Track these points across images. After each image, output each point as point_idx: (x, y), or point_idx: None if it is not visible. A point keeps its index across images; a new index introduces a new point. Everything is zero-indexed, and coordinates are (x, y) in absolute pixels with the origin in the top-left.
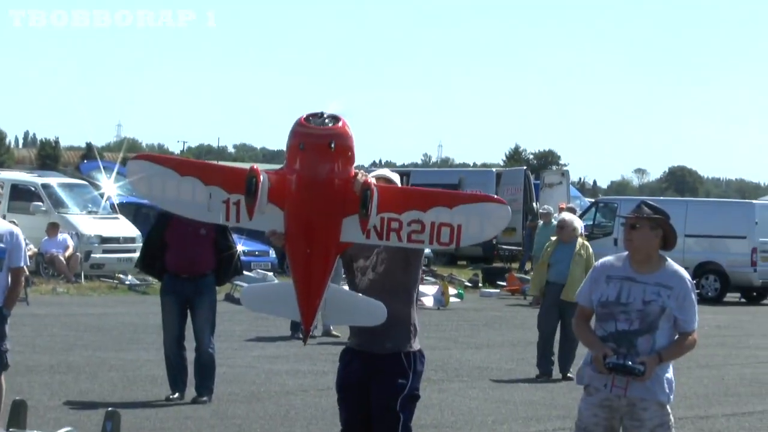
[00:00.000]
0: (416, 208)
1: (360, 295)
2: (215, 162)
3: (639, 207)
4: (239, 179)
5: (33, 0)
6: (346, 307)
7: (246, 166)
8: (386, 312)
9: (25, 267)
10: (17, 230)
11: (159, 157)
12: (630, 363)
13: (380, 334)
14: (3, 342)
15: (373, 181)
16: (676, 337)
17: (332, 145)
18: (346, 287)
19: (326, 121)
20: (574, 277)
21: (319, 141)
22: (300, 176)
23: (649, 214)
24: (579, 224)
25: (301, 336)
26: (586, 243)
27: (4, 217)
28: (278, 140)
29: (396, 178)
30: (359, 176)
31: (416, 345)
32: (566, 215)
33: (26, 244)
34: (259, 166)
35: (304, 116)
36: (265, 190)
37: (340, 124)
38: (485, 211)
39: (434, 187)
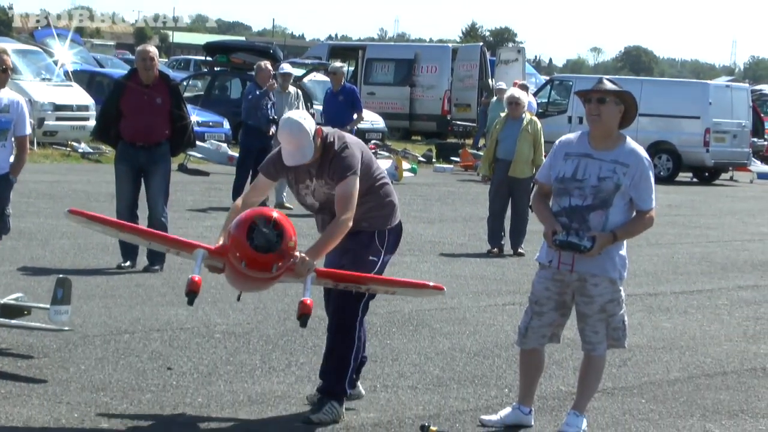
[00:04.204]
0: (356, 284)
1: None
2: (152, 230)
3: (602, 82)
4: (180, 245)
5: None
6: None
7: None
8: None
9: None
10: (22, 99)
11: (98, 217)
12: (576, 240)
13: (355, 223)
14: (6, 207)
15: (310, 300)
16: (633, 215)
17: (274, 269)
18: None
19: (273, 238)
20: (521, 153)
21: (262, 265)
22: (238, 272)
23: (615, 89)
24: (526, 99)
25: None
26: (534, 119)
27: None
28: (234, 12)
29: (311, 124)
30: (304, 265)
31: (393, 222)
32: (515, 91)
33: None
34: (214, 39)
35: (249, 225)
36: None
37: (284, 240)
38: (422, 292)
39: (390, 62)
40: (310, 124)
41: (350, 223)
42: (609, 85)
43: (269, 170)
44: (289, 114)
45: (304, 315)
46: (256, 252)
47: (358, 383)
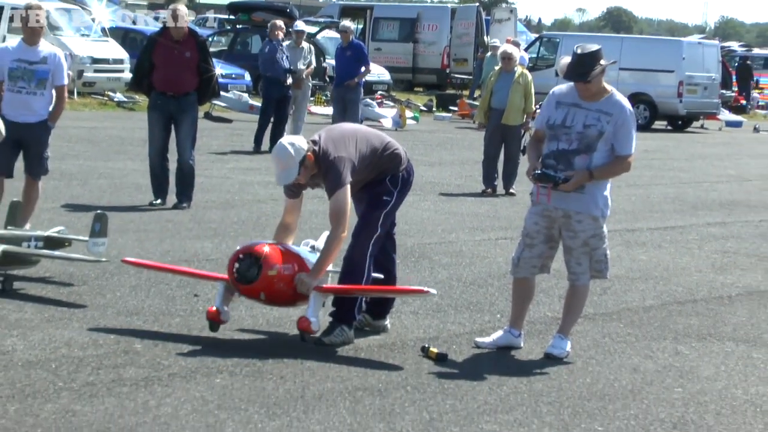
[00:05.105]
0: (360, 294)
1: None
2: (194, 270)
3: (579, 61)
4: (211, 279)
5: None
6: None
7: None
8: None
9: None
10: (60, 52)
11: (150, 264)
12: (552, 173)
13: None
14: (46, 150)
15: (313, 321)
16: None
17: (262, 296)
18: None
19: (252, 271)
20: (512, 103)
21: (250, 293)
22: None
23: (594, 75)
24: (518, 54)
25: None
26: (525, 72)
27: (3, 39)
28: None
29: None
30: (302, 285)
31: (403, 166)
32: (508, 47)
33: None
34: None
35: (235, 259)
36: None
37: (263, 271)
38: (414, 295)
39: (395, 20)
40: (298, 147)
41: (344, 235)
42: (591, 71)
43: (287, 192)
44: (281, 139)
45: (300, 330)
46: (240, 283)
47: (388, 317)
